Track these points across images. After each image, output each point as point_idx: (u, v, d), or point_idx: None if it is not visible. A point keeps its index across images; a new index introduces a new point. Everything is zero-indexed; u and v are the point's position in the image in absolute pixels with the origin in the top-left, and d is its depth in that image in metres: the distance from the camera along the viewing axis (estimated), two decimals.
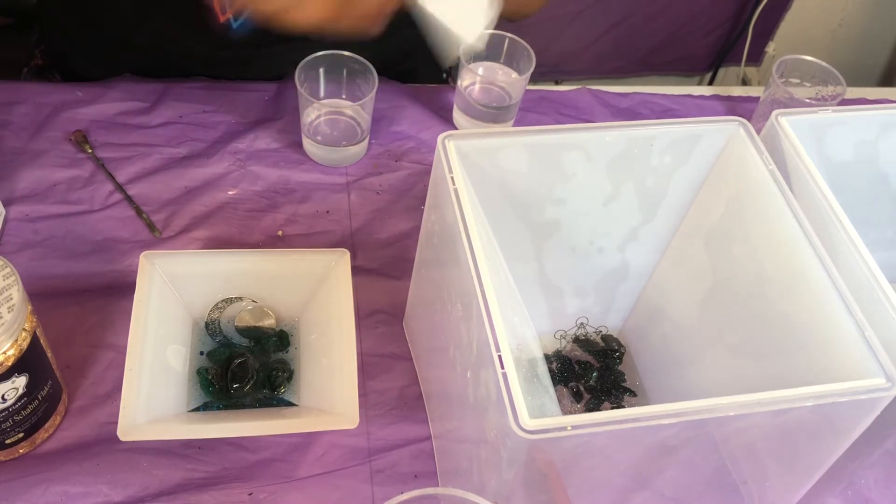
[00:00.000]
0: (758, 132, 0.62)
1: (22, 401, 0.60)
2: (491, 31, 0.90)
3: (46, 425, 0.65)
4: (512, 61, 0.92)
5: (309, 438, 0.69)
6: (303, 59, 0.85)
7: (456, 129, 0.95)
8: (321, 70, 0.87)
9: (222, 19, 0.66)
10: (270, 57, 0.93)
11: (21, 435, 0.63)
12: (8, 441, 0.63)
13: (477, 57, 0.92)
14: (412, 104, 0.95)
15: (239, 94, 0.93)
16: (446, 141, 0.57)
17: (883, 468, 0.73)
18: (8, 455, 0.64)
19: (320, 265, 0.73)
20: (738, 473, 0.65)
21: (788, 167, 0.61)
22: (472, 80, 0.92)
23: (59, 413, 0.66)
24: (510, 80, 0.92)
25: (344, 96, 0.89)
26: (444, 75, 1.14)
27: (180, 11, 0.87)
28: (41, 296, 0.74)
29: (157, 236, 0.80)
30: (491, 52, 0.92)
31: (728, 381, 0.64)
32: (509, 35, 0.91)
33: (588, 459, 0.52)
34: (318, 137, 0.88)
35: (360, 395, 0.67)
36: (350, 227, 0.84)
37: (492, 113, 0.91)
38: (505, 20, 0.76)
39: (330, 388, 0.67)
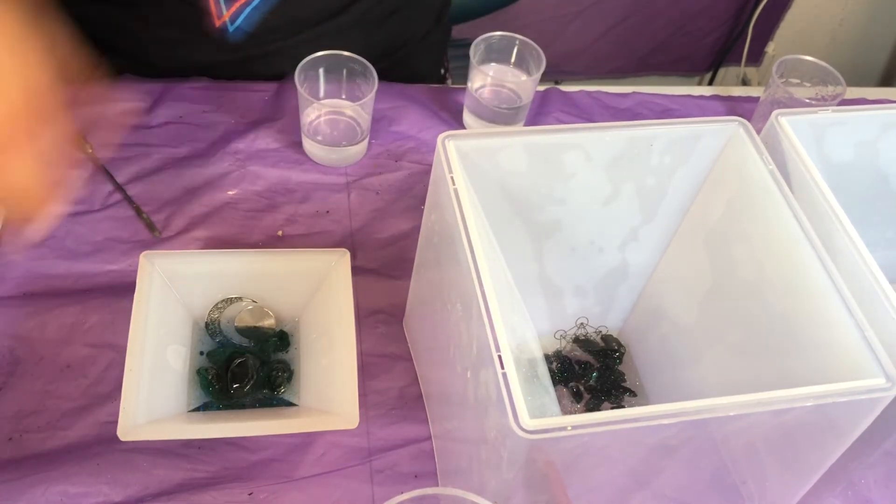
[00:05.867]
0: (758, 132, 0.62)
1: None
2: (501, 33, 0.90)
3: None
4: (522, 63, 0.92)
5: (309, 438, 0.69)
6: (302, 59, 0.85)
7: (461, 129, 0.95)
8: (321, 70, 0.87)
9: (218, 24, 0.66)
10: (270, 58, 0.93)
11: None
12: None
13: (487, 59, 0.92)
14: (412, 104, 0.95)
15: (239, 94, 0.93)
16: (446, 141, 0.57)
17: (883, 468, 0.73)
18: None
19: (320, 265, 0.73)
20: (738, 473, 0.65)
21: (788, 167, 0.61)
22: (483, 83, 0.92)
23: None
24: (520, 82, 0.92)
25: (344, 96, 0.89)
26: (443, 72, 1.14)
27: (176, 18, 0.87)
28: (41, 296, 0.74)
29: (157, 236, 0.80)
30: (501, 53, 0.92)
31: (728, 381, 0.64)
32: (519, 37, 0.90)
33: (588, 459, 0.52)
34: (318, 137, 0.88)
35: (360, 395, 0.67)
36: (350, 227, 0.84)
37: (503, 114, 0.91)
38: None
39: (330, 388, 0.67)
